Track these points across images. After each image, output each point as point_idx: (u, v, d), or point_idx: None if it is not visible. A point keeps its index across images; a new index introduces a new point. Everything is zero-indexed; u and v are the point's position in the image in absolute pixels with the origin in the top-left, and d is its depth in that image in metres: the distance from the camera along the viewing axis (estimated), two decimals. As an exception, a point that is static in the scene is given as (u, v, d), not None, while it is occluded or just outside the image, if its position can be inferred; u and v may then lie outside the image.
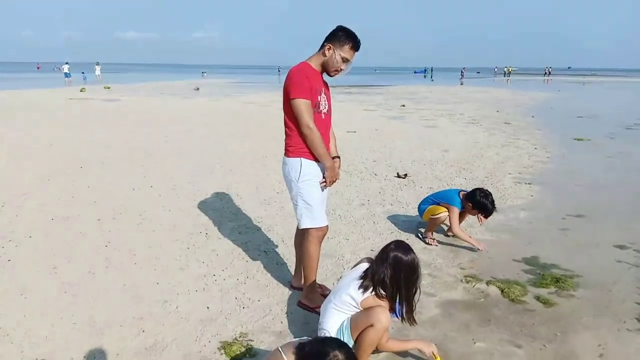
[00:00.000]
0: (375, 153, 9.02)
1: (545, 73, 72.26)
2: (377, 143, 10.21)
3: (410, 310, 2.68)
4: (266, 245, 4.48)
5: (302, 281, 3.44)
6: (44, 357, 2.75)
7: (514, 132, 12.11)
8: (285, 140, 3.18)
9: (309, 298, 3.37)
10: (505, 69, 73.86)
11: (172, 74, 77.70)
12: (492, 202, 4.38)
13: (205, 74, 65.84)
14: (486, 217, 4.45)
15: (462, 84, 46.35)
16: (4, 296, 3.42)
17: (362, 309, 2.63)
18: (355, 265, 2.90)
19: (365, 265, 2.76)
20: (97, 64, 43.64)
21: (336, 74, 3.14)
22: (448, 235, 4.77)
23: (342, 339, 2.59)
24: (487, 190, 4.46)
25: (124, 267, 3.93)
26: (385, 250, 2.66)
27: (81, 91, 25.46)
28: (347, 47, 3.05)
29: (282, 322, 3.19)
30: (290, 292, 3.59)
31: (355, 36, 3.08)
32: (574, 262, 4.19)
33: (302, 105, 2.99)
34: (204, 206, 5.58)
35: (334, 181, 3.23)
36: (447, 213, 4.48)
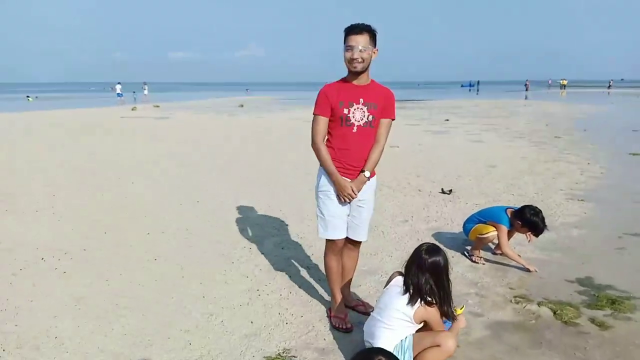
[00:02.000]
0: (418, 168, 8.92)
1: (609, 86, 68.81)
2: (420, 158, 10.10)
3: (451, 305, 2.73)
4: (308, 261, 4.50)
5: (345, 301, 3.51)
6: (97, 366, 2.85)
7: (565, 146, 11.69)
8: None
9: (338, 309, 3.41)
10: (561, 82, 71.11)
11: (217, 91, 79.96)
12: (543, 219, 4.22)
13: (248, 91, 67.26)
14: (537, 235, 4.29)
15: (526, 97, 42.90)
16: (60, 307, 3.58)
17: (415, 322, 2.65)
18: (389, 281, 2.90)
19: (400, 279, 2.77)
20: (145, 83, 45.44)
21: (355, 66, 3.00)
22: (495, 254, 4.63)
23: (402, 357, 2.62)
24: (536, 207, 4.31)
25: (172, 281, 4.04)
26: (419, 257, 2.68)
27: (133, 110, 26.62)
28: (346, 37, 3.02)
29: (325, 339, 3.17)
30: (333, 309, 3.57)
31: (349, 25, 3.04)
32: (631, 283, 3.96)
33: (314, 122, 3.15)
34: (247, 221, 5.68)
35: (348, 198, 3.16)
36: (495, 232, 4.35)
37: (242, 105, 32.41)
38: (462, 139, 13.51)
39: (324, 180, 3.22)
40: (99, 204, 6.41)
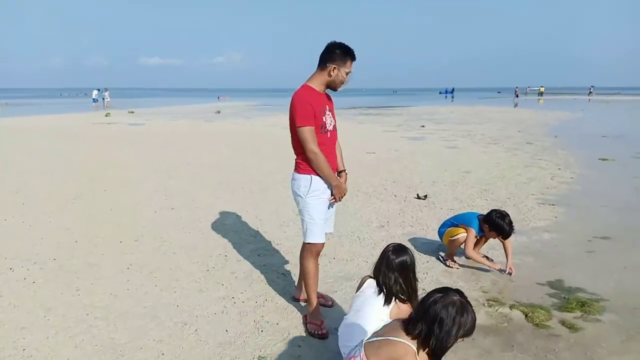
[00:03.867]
0: (394, 174, 9.00)
1: (590, 92, 70.22)
2: (396, 164, 10.19)
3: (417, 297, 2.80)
4: (285, 268, 4.48)
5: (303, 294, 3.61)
6: (66, 378, 2.78)
7: (537, 152, 11.96)
8: (296, 159, 3.38)
9: (312, 313, 3.44)
10: (539, 89, 72.30)
11: (193, 97, 79.26)
12: (510, 223, 4.30)
13: (220, 98, 66.52)
14: (504, 238, 4.38)
15: (516, 105, 41.19)
16: (28, 317, 3.48)
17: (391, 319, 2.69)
18: (360, 285, 2.94)
19: (372, 281, 2.82)
20: (106, 89, 44.23)
21: (341, 88, 3.34)
22: (469, 258, 4.69)
23: None
24: (504, 211, 4.39)
25: (145, 290, 3.97)
26: (386, 258, 2.75)
27: (106, 116, 26.17)
28: (348, 63, 3.25)
29: (300, 346, 3.16)
30: (309, 315, 3.57)
31: (351, 49, 3.25)
32: (601, 285, 4.07)
33: (307, 133, 3.18)
34: (223, 228, 5.63)
35: (342, 197, 3.40)
36: (465, 234, 4.43)
37: (219, 112, 32.21)
38: (437, 145, 13.69)
39: (315, 184, 3.28)
40: (70, 212, 6.27)
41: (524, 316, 3.55)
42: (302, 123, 3.18)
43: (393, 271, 2.71)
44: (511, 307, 3.68)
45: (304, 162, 3.29)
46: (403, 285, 2.71)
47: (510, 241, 4.41)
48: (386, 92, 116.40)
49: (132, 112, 30.01)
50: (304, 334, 3.31)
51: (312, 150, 3.19)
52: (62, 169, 9.49)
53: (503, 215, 4.32)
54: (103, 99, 41.03)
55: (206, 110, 34.47)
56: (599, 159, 10.79)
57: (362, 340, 2.11)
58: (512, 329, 3.38)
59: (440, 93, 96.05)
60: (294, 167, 3.40)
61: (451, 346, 1.98)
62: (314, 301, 3.43)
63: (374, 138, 15.23)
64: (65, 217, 6.00)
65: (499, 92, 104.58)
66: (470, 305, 1.98)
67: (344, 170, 3.50)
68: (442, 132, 17.44)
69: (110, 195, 7.26)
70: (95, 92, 42.78)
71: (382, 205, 6.74)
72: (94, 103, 40.24)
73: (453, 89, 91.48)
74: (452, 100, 57.83)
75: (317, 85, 3.28)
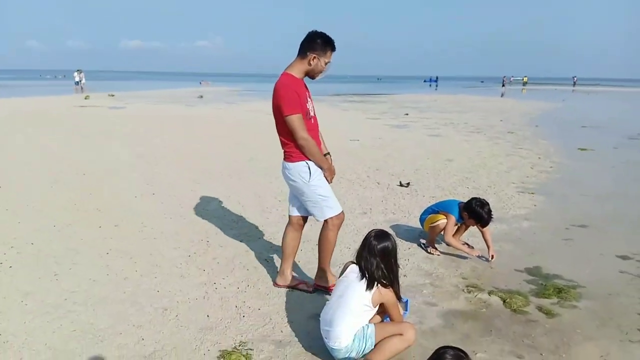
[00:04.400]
0: (378, 162, 9.02)
1: (574, 83, 71.06)
2: (380, 152, 10.21)
3: (399, 285, 2.88)
4: (267, 254, 4.47)
5: (287, 280, 3.72)
6: (43, 364, 2.75)
7: (518, 141, 12.10)
8: (285, 148, 3.40)
9: (324, 279, 3.66)
10: (523, 79, 72.82)
11: (174, 81, 78.06)
12: (489, 212, 4.36)
13: (202, 83, 65.43)
14: (483, 226, 4.43)
15: (503, 94, 40.22)
16: (5, 302, 3.42)
17: (373, 305, 2.74)
18: (343, 270, 2.96)
19: (355, 267, 2.85)
20: (80, 71, 43.05)
21: (319, 77, 3.40)
22: (449, 245, 4.75)
23: (364, 344, 2.71)
24: (484, 199, 4.44)
25: (125, 275, 3.93)
26: (369, 244, 2.79)
27: (86, 98, 25.65)
28: (329, 53, 3.33)
29: (282, 331, 3.17)
30: (290, 301, 3.58)
31: (331, 40, 3.32)
32: (577, 272, 4.16)
33: (296, 121, 3.22)
34: (205, 214, 5.59)
35: (333, 178, 3.54)
36: (445, 220, 4.47)
37: (201, 97, 31.81)
38: (421, 133, 13.75)
39: (313, 168, 3.38)
40: (49, 197, 6.15)
41: (502, 302, 3.61)
42: (291, 111, 3.21)
43: (375, 256, 2.74)
44: (490, 293, 3.74)
45: (295, 149, 3.33)
46: (385, 271, 2.74)
47: (489, 229, 4.47)
48: (370, 80, 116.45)
49: (113, 96, 29.46)
50: (286, 320, 3.32)
51: (303, 137, 3.24)
52: (40, 154, 9.28)
53: (483, 203, 4.37)
54: (78, 81, 40.03)
55: (188, 95, 34.02)
56: (579, 148, 10.97)
57: None
58: (491, 315, 3.44)
59: (424, 81, 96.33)
60: (284, 157, 3.43)
61: None
62: (329, 268, 3.69)
63: (358, 125, 15.22)
64: (44, 202, 5.88)
65: (482, 82, 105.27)
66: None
67: (328, 153, 3.61)
68: (426, 120, 17.51)
69: (90, 180, 7.14)
70: (75, 73, 41.75)
71: (365, 193, 6.76)
72: (76, 85, 39.35)
73: (437, 78, 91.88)
74: (436, 89, 58.05)
75: (297, 73, 3.33)
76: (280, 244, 3.79)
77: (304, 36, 3.34)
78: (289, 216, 3.70)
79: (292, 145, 3.32)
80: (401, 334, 2.70)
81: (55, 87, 44.03)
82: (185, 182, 7.12)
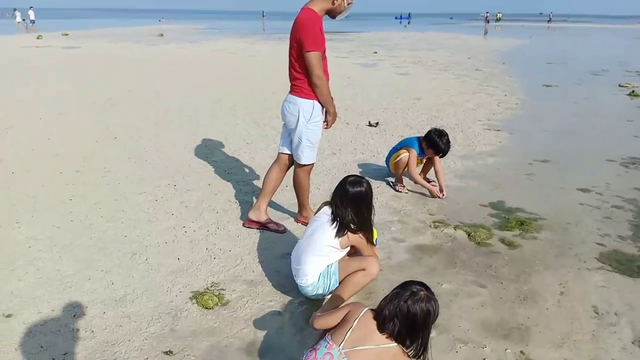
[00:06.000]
0: (346, 101, 8.92)
1: (549, 20, 70.40)
2: (348, 91, 10.08)
3: (371, 230, 2.90)
4: (237, 196, 4.44)
5: (261, 216, 3.74)
6: (10, 312, 2.71)
7: (485, 79, 12.14)
8: (295, 82, 3.39)
9: (303, 216, 3.84)
10: (497, 15, 71.63)
11: (132, 19, 73.94)
12: (447, 142, 4.40)
13: (162, 20, 62.11)
14: (441, 157, 4.48)
15: (486, 32, 37.57)
16: (-35, 253, 3.32)
17: (341, 248, 2.77)
18: (319, 210, 2.96)
19: (328, 209, 2.84)
20: (31, 7, 40.12)
21: (339, 17, 3.35)
22: (414, 181, 4.81)
23: (329, 282, 2.75)
24: (442, 129, 4.48)
25: (90, 221, 3.85)
26: (343, 189, 2.78)
27: (38, 38, 24.12)
28: None
29: (253, 271, 3.20)
30: (261, 241, 3.60)
31: None
32: (539, 205, 4.31)
33: (316, 58, 3.20)
34: (171, 158, 5.46)
35: (333, 123, 3.56)
36: (407, 154, 4.50)
37: (161, 35, 30.31)
38: (389, 72, 13.60)
39: (317, 110, 3.40)
40: (3, 143, 5.86)
41: (467, 236, 3.73)
42: (313, 47, 3.18)
43: (347, 203, 2.73)
44: (455, 227, 3.85)
45: (307, 86, 3.32)
46: (355, 217, 2.74)
47: (441, 165, 4.54)
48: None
49: (67, 35, 27.74)
50: (257, 260, 3.34)
51: (319, 75, 3.24)
52: (-10, 97, 8.76)
53: (442, 133, 4.41)
54: (24, 19, 37.36)
55: (147, 33, 32.35)
56: (543, 85, 11.11)
57: (340, 351, 2.01)
58: (456, 248, 3.56)
59: (395, 18, 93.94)
60: (291, 90, 3.43)
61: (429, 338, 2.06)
62: (308, 205, 3.83)
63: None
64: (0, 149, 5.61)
65: (451, 18, 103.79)
66: (433, 293, 2.06)
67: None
68: (394, 58, 17.28)
69: (47, 124, 6.82)
70: (18, 14, 38.80)
71: (334, 133, 6.71)
72: (26, 25, 36.68)
73: (409, 14, 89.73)
74: (407, 26, 56.99)
75: (319, 10, 3.26)
76: (254, 186, 3.77)
77: None
78: (279, 153, 3.70)
79: (305, 81, 3.32)
80: (364, 269, 2.73)
81: (3, 25, 41.10)
82: (148, 125, 6.90)
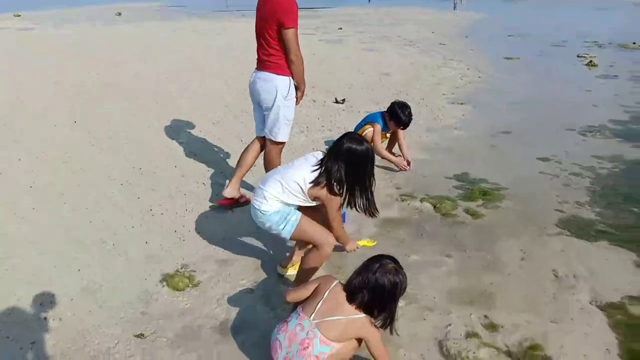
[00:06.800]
0: (312, 78, 8.81)
1: None
2: (314, 68, 9.98)
3: (371, 201, 2.68)
4: (204, 178, 4.41)
5: (235, 193, 3.76)
6: (-26, 305, 2.64)
7: (449, 53, 12.25)
8: (271, 59, 3.38)
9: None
10: None
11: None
12: (409, 114, 4.46)
13: None
14: (403, 128, 4.54)
15: (455, 6, 34.29)
16: None
17: (308, 196, 2.57)
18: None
19: (319, 154, 2.67)
20: None
21: None
22: (379, 155, 4.86)
23: (283, 225, 2.59)
24: (405, 102, 4.55)
25: (53, 208, 3.74)
26: (338, 144, 2.58)
27: (-14, 20, 22.87)
28: None
29: (223, 251, 3.22)
30: (231, 222, 3.60)
31: None
32: (501, 176, 4.44)
33: (295, 35, 3.28)
34: (136, 141, 5.33)
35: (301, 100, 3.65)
36: (371, 129, 4.54)
37: (119, 14, 29.19)
38: (355, 47, 13.53)
39: (292, 89, 3.47)
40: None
41: (432, 208, 3.82)
42: (294, 25, 3.24)
43: (338, 159, 2.53)
44: (421, 200, 3.94)
45: (283, 62, 3.36)
46: (343, 177, 2.54)
47: (404, 139, 4.62)
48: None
49: (19, 16, 26.39)
50: (227, 240, 3.35)
51: (297, 53, 3.32)
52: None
53: (404, 105, 4.47)
54: None
55: (104, 12, 31.10)
56: (505, 57, 11.30)
57: (311, 321, 2.05)
58: (422, 220, 3.65)
59: None
60: (264, 66, 3.42)
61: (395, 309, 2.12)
62: None
63: (291, 41, 14.71)
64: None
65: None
66: (402, 267, 2.14)
67: None
68: (360, 34, 17.18)
69: (2, 109, 6.54)
70: None
71: (301, 111, 6.66)
72: None
73: None
74: (369, 1, 56.59)
75: None
76: (221, 166, 3.75)
77: None
78: (257, 136, 3.70)
79: (282, 58, 3.34)
80: (317, 248, 2.62)
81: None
82: (109, 110, 6.69)
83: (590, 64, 10.27)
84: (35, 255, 3.11)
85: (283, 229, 2.61)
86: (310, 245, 2.72)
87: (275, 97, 3.42)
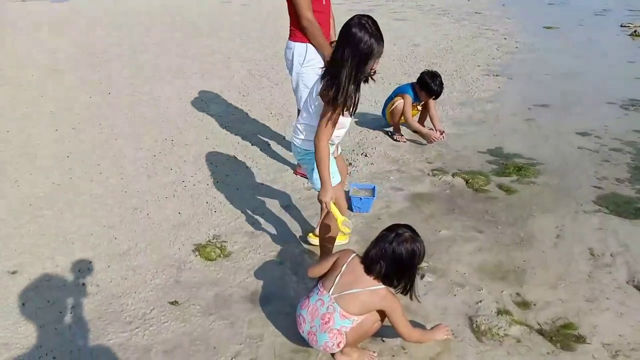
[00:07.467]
0: (342, 49, 8.71)
1: None
2: (344, 39, 9.83)
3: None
4: (235, 150, 4.43)
5: None
6: (15, 269, 2.76)
7: (485, 22, 11.80)
8: (290, 26, 3.36)
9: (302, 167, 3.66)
10: None
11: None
12: (440, 83, 4.35)
13: None
14: (434, 98, 4.44)
15: None
16: (-33, 213, 3.34)
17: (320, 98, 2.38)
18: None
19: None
20: None
21: None
22: (412, 129, 4.78)
23: (312, 173, 2.48)
24: (435, 71, 4.43)
25: (89, 177, 3.85)
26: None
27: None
28: None
29: (254, 223, 3.24)
30: (261, 194, 3.62)
31: None
32: (537, 151, 4.31)
33: (301, 0, 3.16)
34: (167, 113, 5.39)
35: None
36: (401, 101, 4.46)
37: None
38: (386, 17, 13.18)
39: (310, 54, 3.33)
40: (-5, 101, 5.78)
41: (464, 183, 3.75)
42: None
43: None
44: (453, 175, 3.86)
45: (298, 30, 3.29)
46: (352, 94, 2.37)
47: (435, 110, 4.52)
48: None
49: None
50: (258, 212, 3.37)
51: (306, 17, 3.18)
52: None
53: (434, 75, 4.35)
54: None
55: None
56: (544, 27, 10.82)
57: (330, 296, 2.04)
58: (454, 195, 3.59)
59: None
60: (289, 35, 3.40)
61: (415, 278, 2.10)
62: None
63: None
64: (-9, 107, 5.53)
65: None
66: (418, 235, 2.10)
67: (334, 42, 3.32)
68: (391, 3, 16.75)
69: (38, 81, 6.69)
70: None
71: (330, 82, 6.60)
72: None
73: None
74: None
75: None
76: (251, 139, 3.74)
77: None
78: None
79: (298, 25, 3.28)
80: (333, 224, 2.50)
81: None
82: (141, 80, 6.76)
83: (635, 34, 9.73)
84: (72, 222, 3.22)
85: (313, 175, 2.49)
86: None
87: (292, 64, 3.41)
